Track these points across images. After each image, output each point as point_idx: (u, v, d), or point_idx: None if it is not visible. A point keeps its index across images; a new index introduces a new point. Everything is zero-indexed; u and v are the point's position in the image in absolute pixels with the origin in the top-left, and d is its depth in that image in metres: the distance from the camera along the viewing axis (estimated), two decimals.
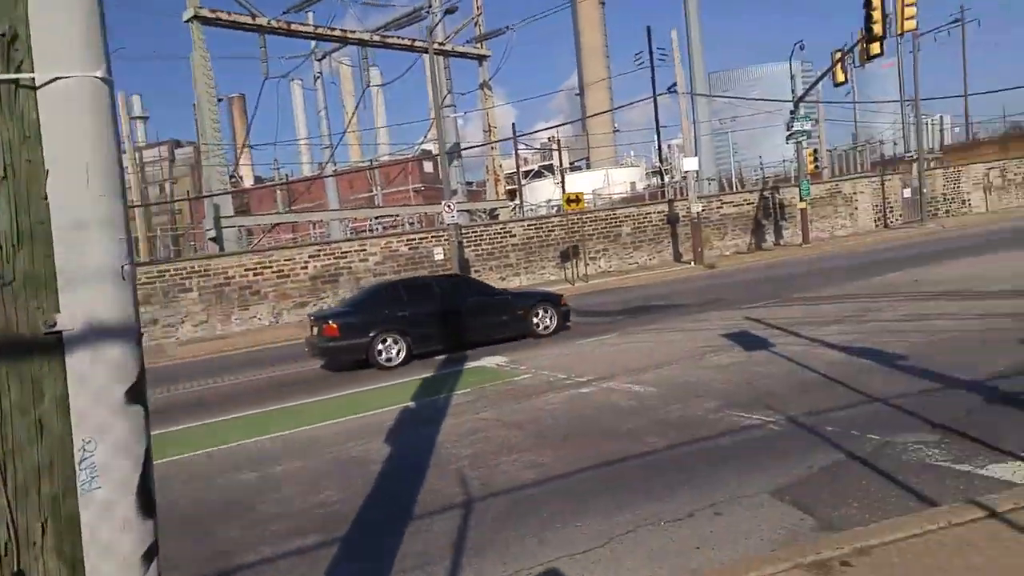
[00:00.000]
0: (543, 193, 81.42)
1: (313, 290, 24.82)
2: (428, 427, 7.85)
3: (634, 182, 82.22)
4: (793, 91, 31.16)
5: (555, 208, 60.26)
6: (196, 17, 23.99)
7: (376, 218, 42.52)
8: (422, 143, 43.04)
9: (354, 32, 27.97)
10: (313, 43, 36.37)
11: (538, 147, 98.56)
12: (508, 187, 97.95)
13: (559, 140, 73.28)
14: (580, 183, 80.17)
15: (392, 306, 13.18)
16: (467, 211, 35.17)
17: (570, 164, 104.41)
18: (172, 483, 6.85)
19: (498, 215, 35.45)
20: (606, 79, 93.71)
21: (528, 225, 29.51)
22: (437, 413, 8.44)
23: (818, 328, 10.93)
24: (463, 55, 32.79)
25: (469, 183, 72.86)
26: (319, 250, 25.21)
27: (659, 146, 77.17)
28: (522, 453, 6.48)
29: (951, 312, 10.81)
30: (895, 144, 58.96)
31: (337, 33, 27.27)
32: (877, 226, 39.30)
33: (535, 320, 14.09)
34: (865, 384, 7.35)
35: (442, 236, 26.39)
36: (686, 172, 29.65)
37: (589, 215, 31.29)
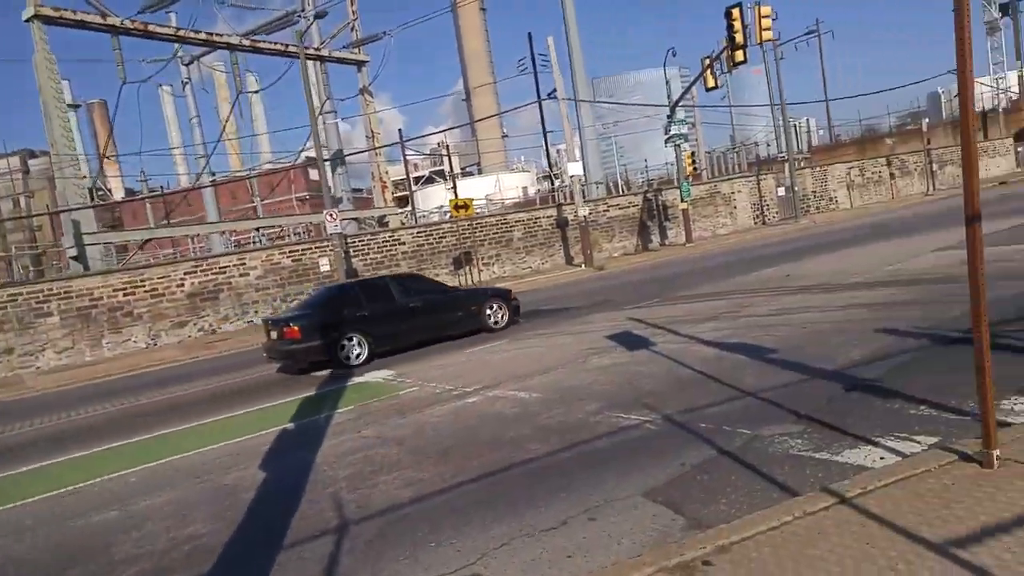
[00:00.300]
0: (435, 199, 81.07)
1: (192, 308, 23.64)
2: (307, 449, 7.54)
3: (526, 187, 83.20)
4: (669, 96, 32.32)
5: (447, 214, 60.06)
6: (37, 16, 22.37)
7: (258, 230, 41.01)
8: (302, 151, 41.87)
9: (221, 36, 26.81)
10: (177, 46, 34.68)
11: (428, 153, 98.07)
12: (398, 194, 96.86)
13: (448, 145, 73.17)
14: (472, 189, 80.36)
15: (351, 307, 13.46)
16: (355, 219, 34.51)
17: (461, 170, 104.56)
18: (16, 531, 6.26)
19: (387, 223, 34.98)
20: (491, 84, 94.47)
21: (418, 232, 29.23)
22: (317, 433, 8.13)
23: (695, 325, 11.30)
24: (340, 60, 32.16)
25: (359, 190, 71.54)
26: (195, 266, 24.03)
27: (547, 151, 78.34)
28: (402, 471, 6.31)
29: (816, 305, 11.41)
30: (768, 145, 62.37)
31: (202, 36, 26.06)
32: (756, 223, 41.35)
33: (488, 315, 14.63)
34: (738, 379, 7.61)
35: (327, 247, 25.69)
36: (571, 176, 30.16)
37: (480, 221, 31.34)
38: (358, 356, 12.98)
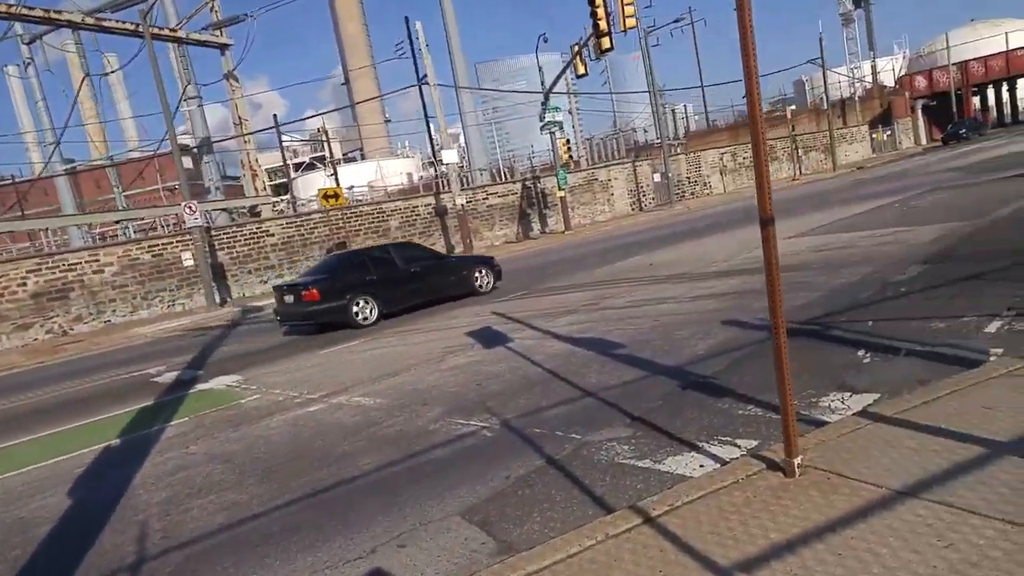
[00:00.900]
0: (316, 186, 78.36)
1: (38, 309, 21.73)
2: (127, 469, 6.85)
3: (410, 173, 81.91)
4: (542, 83, 32.35)
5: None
6: None
7: (119, 222, 38.29)
8: (163, 139, 39.29)
9: (61, 13, 24.52)
10: (8, 23, 31.59)
11: (307, 139, 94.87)
12: (275, 181, 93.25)
13: (327, 131, 70.95)
14: (353, 175, 78.39)
15: (360, 272, 14.56)
16: (224, 210, 32.75)
17: (343, 155, 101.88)
18: None
19: (260, 212, 33.42)
20: (371, 69, 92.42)
21: (288, 223, 28.02)
22: (143, 450, 7.42)
23: (555, 319, 11.19)
24: (201, 43, 30.27)
25: (235, 179, 68.27)
26: (40, 263, 22.06)
27: (430, 136, 77.51)
28: (222, 492, 5.78)
29: (672, 296, 11.54)
30: (646, 131, 64.04)
31: (38, 13, 23.71)
32: (633, 210, 42.31)
33: (476, 278, 16.18)
34: (582, 377, 7.48)
35: (189, 240, 24.19)
36: (447, 164, 29.72)
37: (355, 210, 30.42)
38: (371, 315, 14.26)
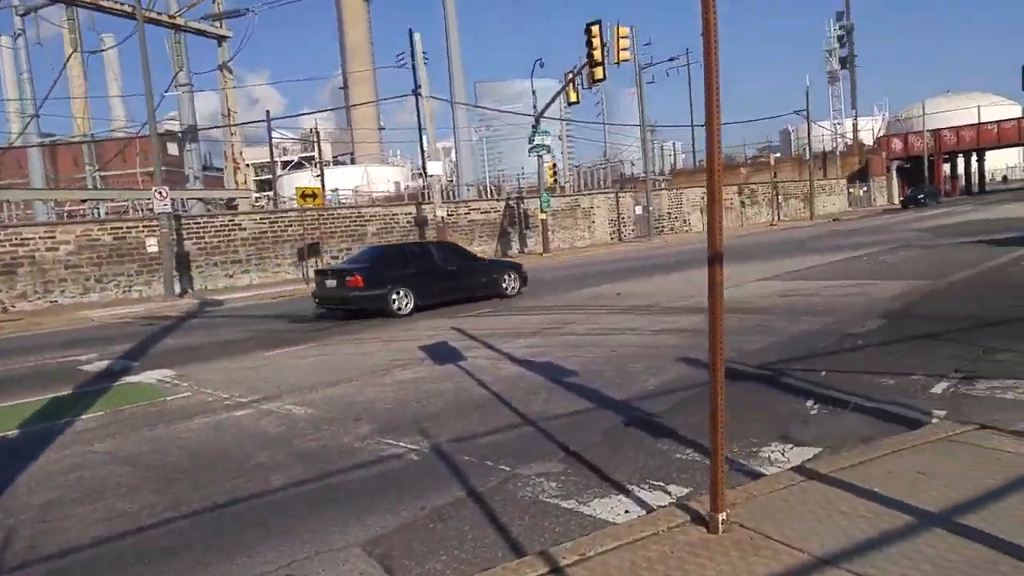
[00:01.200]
0: (301, 185, 77.66)
1: None
2: (16, 465, 6.38)
3: (398, 181, 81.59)
4: (534, 106, 32.36)
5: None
6: None
7: (84, 202, 37.50)
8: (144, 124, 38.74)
9: None
10: None
11: (298, 138, 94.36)
12: (261, 177, 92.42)
13: (318, 131, 70.58)
14: (341, 178, 77.91)
15: (400, 265, 15.34)
16: (201, 200, 32.24)
17: (333, 158, 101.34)
18: None
19: (236, 205, 32.91)
20: (371, 76, 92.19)
21: (261, 218, 27.58)
22: (40, 445, 6.97)
23: (513, 340, 10.93)
24: (199, 32, 29.96)
25: (219, 170, 67.42)
26: None
27: (422, 148, 77.21)
28: (111, 499, 5.39)
29: (634, 327, 11.34)
30: (633, 164, 64.39)
31: None
32: (612, 239, 42.33)
33: (504, 283, 16.93)
34: (527, 404, 7.21)
35: (156, 226, 23.65)
36: (431, 176, 29.50)
37: (332, 212, 30.08)
38: (406, 306, 14.85)
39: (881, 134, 71.73)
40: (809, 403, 6.48)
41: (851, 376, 7.27)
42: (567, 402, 7.21)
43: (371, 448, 6.21)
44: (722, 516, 3.72)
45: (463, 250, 18.57)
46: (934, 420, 5.66)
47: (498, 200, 37.85)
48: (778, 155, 74.93)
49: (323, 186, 68.49)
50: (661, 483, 4.92)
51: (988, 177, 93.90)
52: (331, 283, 15.09)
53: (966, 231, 24.92)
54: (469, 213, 35.26)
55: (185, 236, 24.85)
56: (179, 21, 29.10)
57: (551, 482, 5.10)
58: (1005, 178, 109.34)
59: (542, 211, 34.10)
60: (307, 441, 6.52)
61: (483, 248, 35.79)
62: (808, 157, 53.23)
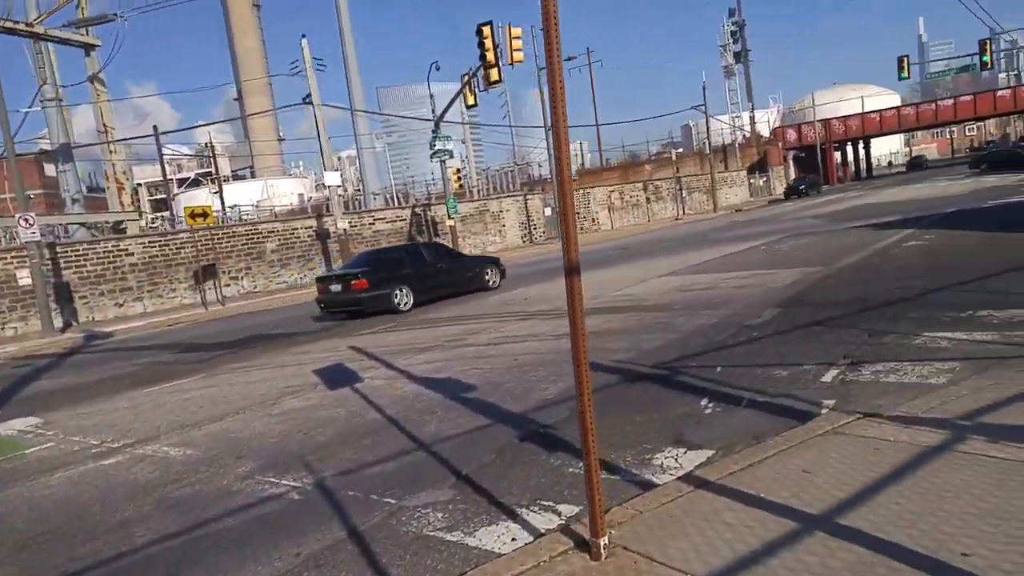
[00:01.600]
0: (199, 203, 74.75)
1: None
2: None
3: (302, 193, 79.54)
4: (433, 111, 32.00)
5: (220, 219, 55.44)
6: None
7: None
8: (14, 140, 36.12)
9: None
10: None
11: (192, 153, 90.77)
12: (155, 196, 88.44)
13: (213, 146, 68.06)
14: (241, 194, 75.35)
15: (397, 267, 16.74)
16: (82, 224, 30.35)
17: (233, 173, 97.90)
18: None
19: (125, 228, 31.11)
20: (266, 85, 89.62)
21: (150, 242, 26.13)
22: None
23: (413, 356, 10.58)
24: (62, 41, 28.01)
25: (100, 191, 63.93)
26: None
27: (323, 157, 75.64)
28: None
29: (537, 333, 11.16)
30: (540, 166, 64.80)
31: None
32: (524, 242, 42.39)
33: (487, 276, 18.49)
34: (421, 426, 6.88)
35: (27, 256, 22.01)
36: (329, 187, 28.70)
37: (227, 231, 28.83)
38: (406, 303, 16.30)
39: (776, 125, 74.80)
40: (704, 402, 6.41)
41: (746, 370, 7.27)
42: (463, 420, 6.93)
43: (250, 489, 5.76)
44: (603, 541, 3.51)
45: (449, 249, 20.50)
46: (823, 411, 5.67)
47: (403, 208, 37.24)
48: (681, 150, 77.01)
49: (222, 203, 66.07)
50: (551, 503, 4.69)
51: (876, 163, 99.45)
52: (336, 287, 16.29)
53: (856, 216, 26.08)
54: (374, 223, 34.57)
55: (64, 265, 23.24)
56: (38, 29, 26.98)
57: (438, 512, 4.80)
58: (890, 163, 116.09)
59: (449, 217, 33.75)
60: (180, 487, 6.00)
61: None
62: (708, 151, 54.84)
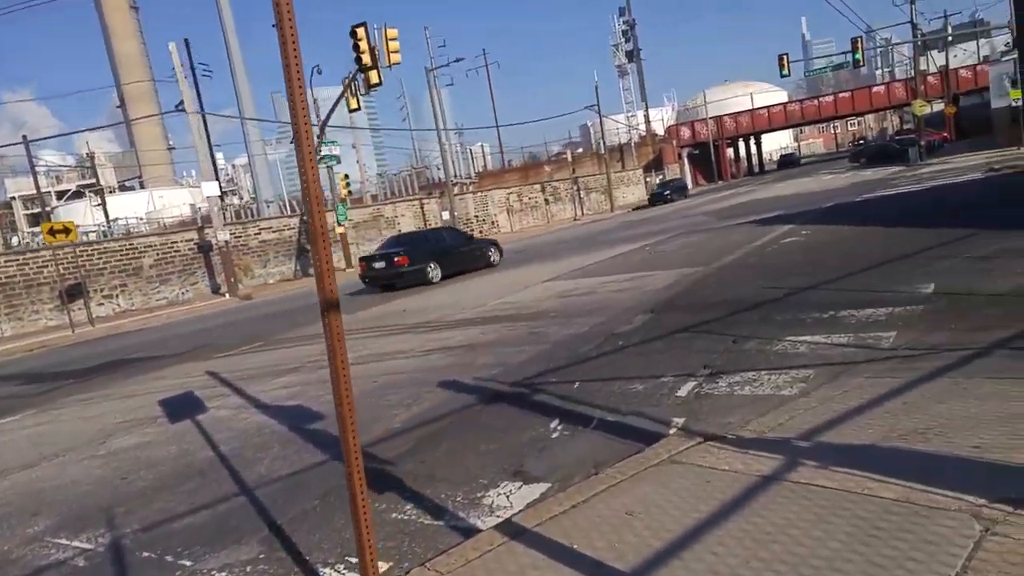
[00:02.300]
0: (80, 216, 70.61)
1: None
2: None
3: (193, 204, 76.06)
4: (317, 115, 30.90)
5: (104, 232, 52.03)
6: None
7: None
8: None
9: None
10: None
11: (73, 165, 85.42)
12: (32, 210, 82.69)
13: (93, 155, 64.18)
14: (127, 205, 71.32)
15: (427, 247, 20.46)
16: None
17: (120, 184, 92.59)
18: None
19: None
20: (150, 91, 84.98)
21: (7, 261, 24.02)
22: None
23: (271, 380, 9.81)
24: None
25: None
26: None
27: (215, 166, 72.84)
28: None
29: (407, 349, 10.58)
30: (438, 169, 64.11)
31: None
32: None
33: (490, 255, 22.35)
34: (253, 465, 6.21)
35: None
36: (208, 197, 27.21)
37: (97, 247, 26.87)
38: (436, 276, 19.94)
39: (671, 124, 76.70)
40: (554, 424, 6.01)
41: (604, 385, 6.94)
42: (298, 457, 6.29)
43: (32, 555, 4.97)
44: None
45: (463, 232, 24.17)
46: (672, 431, 5.36)
47: (291, 216, 35.84)
48: (580, 150, 77.86)
49: (105, 215, 62.25)
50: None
51: (767, 158, 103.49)
52: (380, 264, 20.09)
53: (743, 212, 26.68)
54: (260, 233, 33.11)
55: None
56: None
57: (236, 574, 4.18)
58: (798, 155, 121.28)
59: (339, 224, 32.71)
60: None
61: (280, 269, 33.85)
62: (603, 151, 55.51)
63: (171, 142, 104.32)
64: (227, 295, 28.32)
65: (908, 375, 5.56)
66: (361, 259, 21.35)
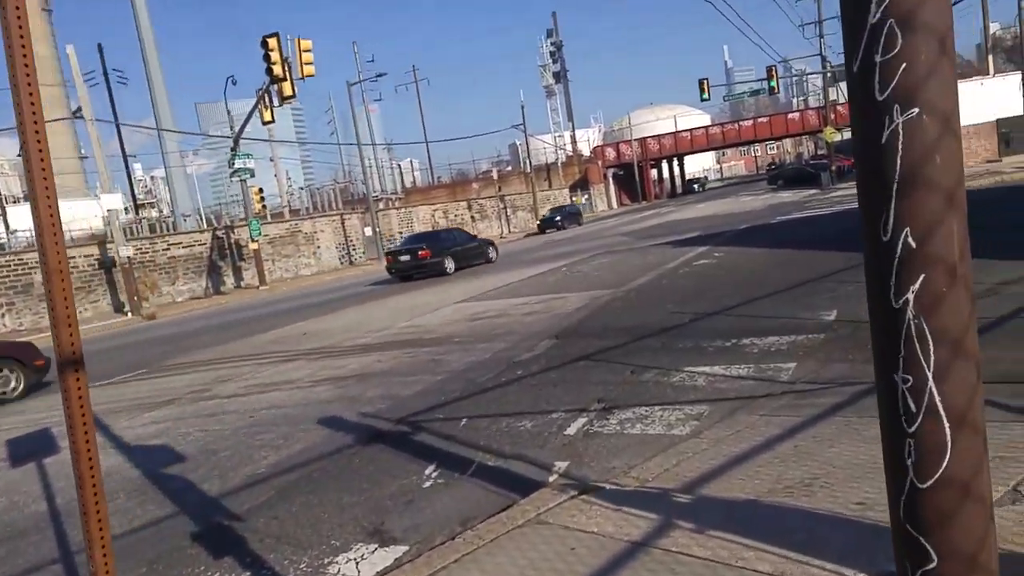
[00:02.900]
0: None
1: None
2: None
3: (106, 216, 72.48)
4: (231, 127, 29.73)
5: (2, 245, 48.75)
6: None
7: None
8: None
9: None
10: None
11: None
12: None
13: None
14: (28, 217, 67.38)
15: (443, 243, 24.13)
16: None
17: (24, 194, 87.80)
18: None
19: None
20: (62, 97, 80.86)
21: None
22: None
23: (141, 415, 8.93)
24: None
25: None
26: None
27: (129, 176, 69.90)
28: None
29: (294, 379, 9.85)
30: (362, 183, 63.02)
31: None
32: (343, 263, 40.50)
33: (490, 254, 26.16)
34: (67, 529, 5.43)
35: None
36: (109, 210, 25.68)
37: None
38: (452, 269, 23.43)
39: (597, 144, 77.58)
40: (429, 470, 5.45)
41: (492, 422, 6.43)
42: (141, 511, 5.55)
43: None
44: None
45: (468, 233, 28.71)
46: (551, 478, 4.90)
47: (203, 232, 34.30)
48: (509, 168, 77.91)
49: (6, 227, 58.56)
50: None
51: (690, 178, 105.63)
52: (405, 258, 23.47)
53: (662, 232, 26.81)
54: (169, 249, 31.53)
55: None
56: None
57: None
58: (706, 179, 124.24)
59: (253, 240, 31.46)
60: None
61: (191, 286, 32.31)
62: (529, 169, 55.53)
63: (83, 151, 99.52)
64: (130, 314, 26.74)
65: (803, 412, 5.25)
66: (387, 253, 25.86)
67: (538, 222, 49.38)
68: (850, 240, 15.72)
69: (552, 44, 72.77)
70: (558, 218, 47.73)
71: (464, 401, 7.32)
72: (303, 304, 21.63)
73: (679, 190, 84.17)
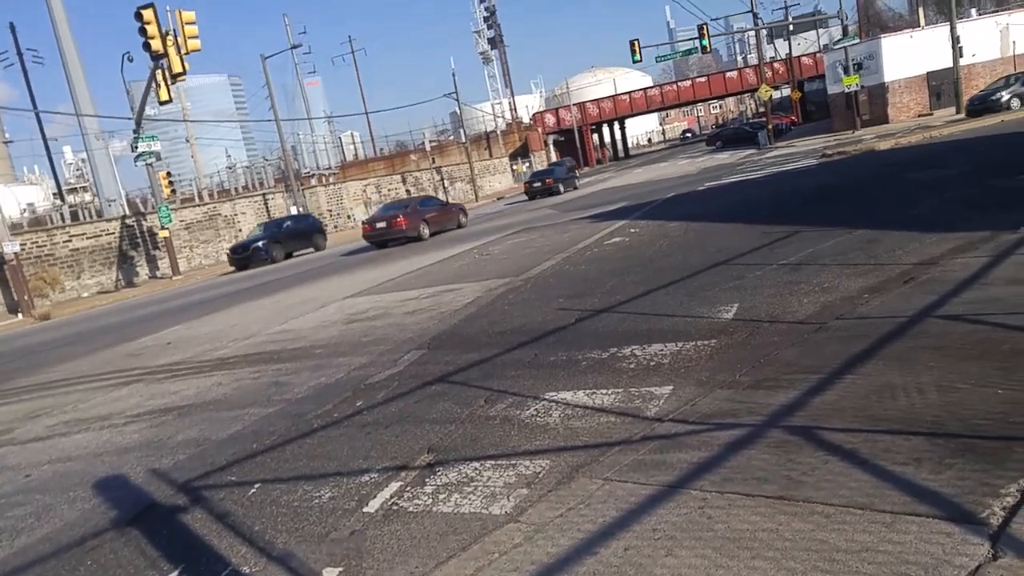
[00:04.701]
0: None
1: None
2: None
3: (32, 202, 68.72)
4: (132, 108, 27.42)
5: None
6: None
7: None
8: None
9: None
10: None
11: None
12: None
13: None
14: None
15: (417, 210, 25.43)
16: None
17: None
18: None
19: None
20: None
21: None
22: None
23: None
24: None
25: None
26: None
27: (51, 162, 66.52)
28: None
29: (117, 411, 8.31)
30: (295, 160, 60.43)
31: None
32: None
33: (461, 219, 27.44)
34: None
35: None
36: None
37: None
38: (427, 234, 24.78)
39: (537, 110, 75.75)
40: (175, 574, 4.07)
41: (287, 488, 5.06)
42: None
43: None
44: None
45: (439, 199, 31.34)
46: None
47: (111, 221, 31.99)
48: (451, 137, 75.60)
49: None
50: None
51: (633, 142, 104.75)
52: (381, 225, 24.38)
53: (589, 203, 25.69)
54: (71, 240, 29.25)
55: None
56: None
57: None
58: (649, 140, 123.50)
59: (163, 227, 29.37)
60: None
61: (99, 280, 30.13)
62: (464, 140, 53.66)
63: (7, 136, 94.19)
64: (20, 315, 24.64)
65: (654, 477, 4.02)
66: (364, 222, 26.92)
67: (526, 187, 40.19)
68: (770, 208, 14.69)
69: (486, 9, 70.34)
70: (538, 181, 38.32)
71: (276, 451, 5.91)
72: (207, 298, 19.97)
73: (621, 154, 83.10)
